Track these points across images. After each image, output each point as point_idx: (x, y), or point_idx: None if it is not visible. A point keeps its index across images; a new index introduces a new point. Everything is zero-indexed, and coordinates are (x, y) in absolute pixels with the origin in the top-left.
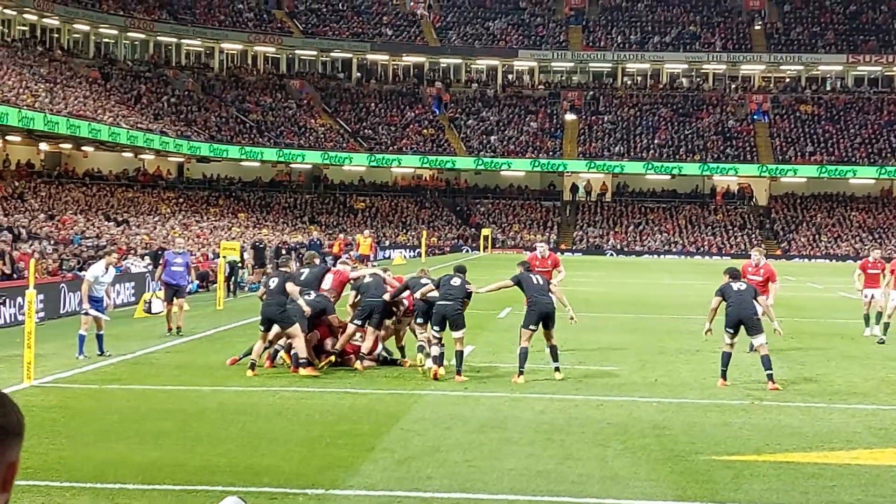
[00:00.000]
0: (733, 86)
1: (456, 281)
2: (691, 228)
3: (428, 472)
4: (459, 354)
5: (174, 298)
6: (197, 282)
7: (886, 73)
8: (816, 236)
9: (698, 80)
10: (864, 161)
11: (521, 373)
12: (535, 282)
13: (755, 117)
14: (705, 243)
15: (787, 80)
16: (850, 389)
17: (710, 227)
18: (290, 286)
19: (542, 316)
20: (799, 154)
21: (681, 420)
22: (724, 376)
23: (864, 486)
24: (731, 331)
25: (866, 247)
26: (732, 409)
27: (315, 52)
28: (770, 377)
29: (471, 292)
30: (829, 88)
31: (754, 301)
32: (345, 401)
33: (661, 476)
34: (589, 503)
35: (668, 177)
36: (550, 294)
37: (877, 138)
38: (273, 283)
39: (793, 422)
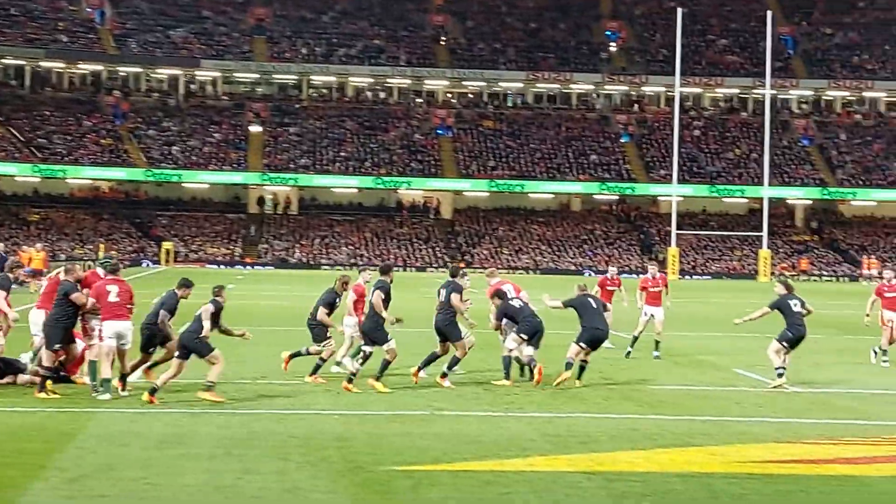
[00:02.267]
0: (418, 100)
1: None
2: (377, 241)
3: (102, 490)
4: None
5: None
6: None
7: (565, 91)
8: (498, 249)
9: (384, 93)
10: (544, 176)
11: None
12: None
13: (439, 132)
14: (391, 256)
15: (470, 95)
16: (526, 399)
17: (395, 240)
18: None
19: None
20: (481, 168)
21: (363, 431)
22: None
23: (539, 492)
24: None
25: (545, 259)
26: (413, 419)
27: None
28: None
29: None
30: (510, 104)
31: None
32: (13, 419)
33: (341, 487)
34: None
35: (355, 190)
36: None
37: (555, 154)
38: None
39: (471, 430)
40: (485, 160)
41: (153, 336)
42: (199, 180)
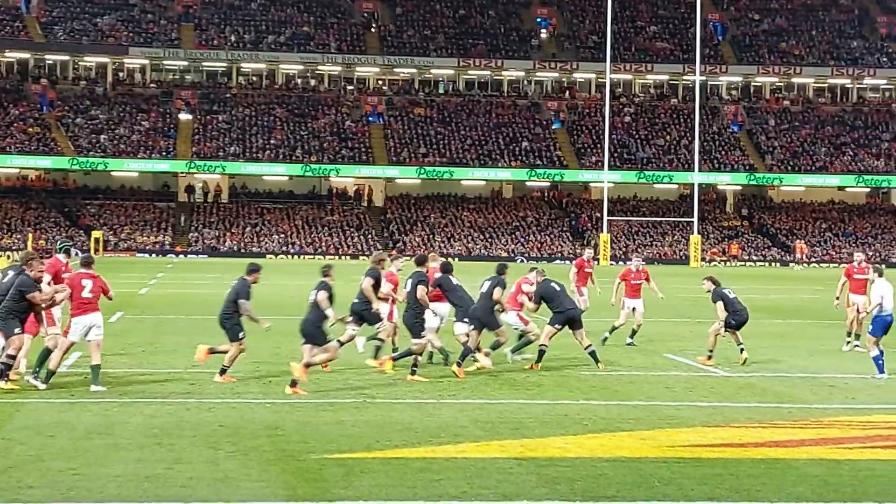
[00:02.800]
0: (349, 87)
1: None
2: (309, 229)
3: (29, 481)
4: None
5: None
6: None
7: (495, 77)
8: (430, 236)
9: (314, 81)
10: (475, 163)
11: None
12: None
13: (370, 119)
14: (323, 244)
15: (401, 82)
16: (459, 384)
17: (327, 228)
18: None
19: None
20: (413, 155)
21: (294, 420)
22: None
23: (470, 478)
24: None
25: (477, 246)
26: (345, 407)
27: None
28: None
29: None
30: (441, 91)
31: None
32: None
33: (272, 476)
34: None
35: (285, 177)
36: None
37: (486, 140)
38: None
39: (404, 418)
40: (416, 147)
41: (236, 324)
42: (127, 169)
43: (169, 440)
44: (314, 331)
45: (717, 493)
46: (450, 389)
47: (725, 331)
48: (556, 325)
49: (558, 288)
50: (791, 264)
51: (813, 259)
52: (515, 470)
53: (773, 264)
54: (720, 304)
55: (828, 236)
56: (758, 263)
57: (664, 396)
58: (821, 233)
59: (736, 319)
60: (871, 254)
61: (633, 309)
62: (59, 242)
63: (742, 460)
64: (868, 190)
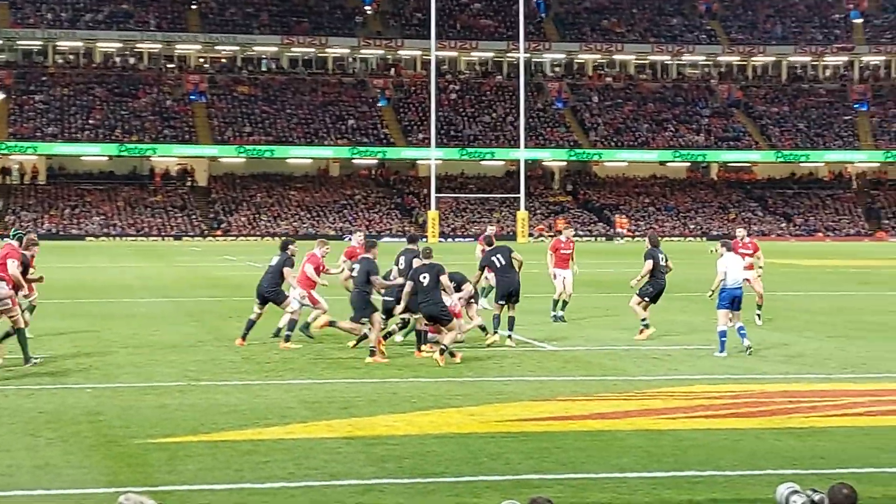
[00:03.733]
0: (170, 66)
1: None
2: (131, 210)
3: None
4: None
5: None
6: None
7: (320, 55)
8: (256, 216)
9: (133, 59)
10: (301, 141)
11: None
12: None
13: (192, 97)
14: (146, 225)
15: (224, 60)
16: (286, 364)
17: (150, 209)
18: None
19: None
20: (237, 134)
21: (116, 405)
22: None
23: (297, 459)
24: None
25: (305, 225)
26: (169, 390)
27: None
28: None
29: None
30: (264, 69)
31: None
32: None
33: (94, 462)
34: (19, 495)
35: (105, 158)
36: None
37: (312, 119)
38: None
39: (229, 400)
40: (240, 126)
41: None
42: None
43: None
44: (362, 303)
45: (543, 466)
46: (277, 370)
47: (642, 299)
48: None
49: (425, 282)
50: (615, 238)
51: (637, 233)
52: (344, 449)
53: (598, 239)
54: (649, 262)
55: (651, 210)
56: (584, 238)
57: (493, 372)
58: (644, 207)
59: (654, 287)
60: (691, 227)
61: (564, 279)
62: (14, 231)
63: (568, 433)
64: (688, 165)
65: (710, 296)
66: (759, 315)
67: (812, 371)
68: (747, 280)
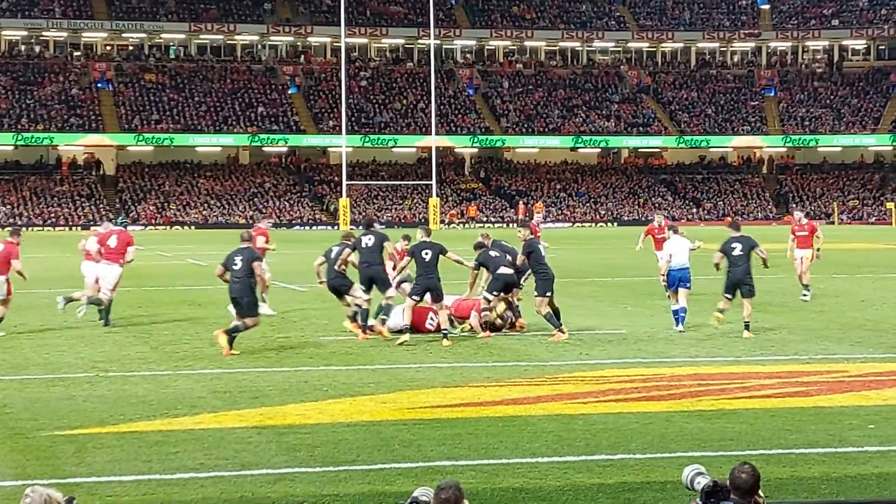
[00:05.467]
0: (76, 53)
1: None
2: (37, 200)
3: None
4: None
5: None
6: None
7: (229, 42)
8: (165, 204)
9: (39, 47)
10: (210, 129)
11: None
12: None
13: (99, 85)
14: (53, 215)
15: (131, 47)
16: (196, 354)
17: (56, 198)
18: None
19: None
20: (145, 122)
21: (22, 397)
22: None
23: (207, 449)
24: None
25: (214, 213)
26: (77, 382)
27: None
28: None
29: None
30: (172, 56)
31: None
32: None
33: (1, 456)
34: None
35: (10, 147)
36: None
37: (222, 106)
38: None
39: (138, 391)
40: (148, 114)
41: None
42: None
43: None
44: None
45: (455, 452)
46: (186, 360)
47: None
48: (415, 297)
49: (427, 258)
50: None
51: (548, 219)
52: (254, 439)
53: (510, 225)
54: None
55: (562, 196)
56: (496, 225)
57: (405, 359)
58: (556, 193)
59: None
60: (603, 212)
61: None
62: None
63: (480, 419)
64: (599, 150)
65: (661, 280)
66: (805, 294)
67: (721, 354)
68: (803, 258)
